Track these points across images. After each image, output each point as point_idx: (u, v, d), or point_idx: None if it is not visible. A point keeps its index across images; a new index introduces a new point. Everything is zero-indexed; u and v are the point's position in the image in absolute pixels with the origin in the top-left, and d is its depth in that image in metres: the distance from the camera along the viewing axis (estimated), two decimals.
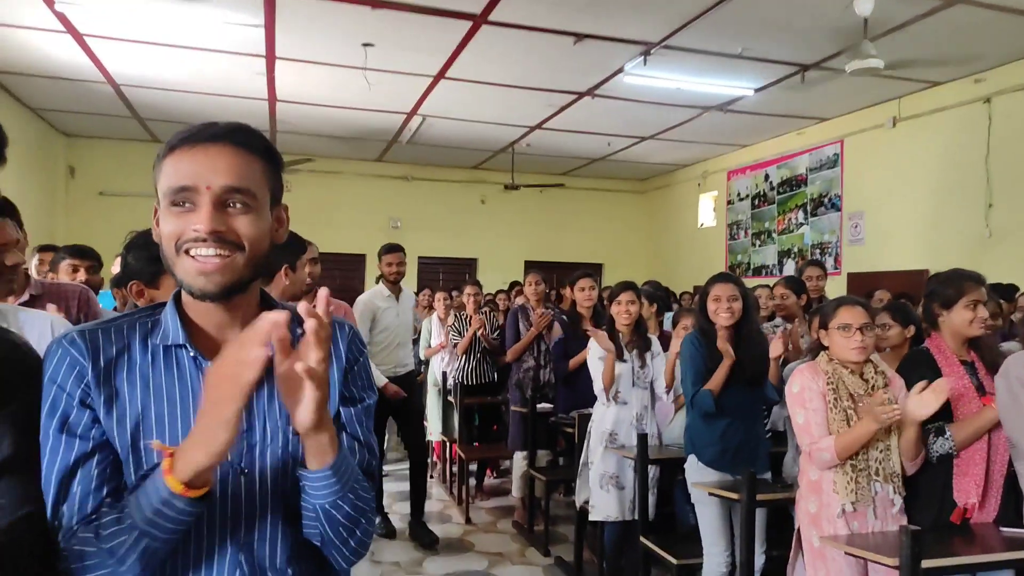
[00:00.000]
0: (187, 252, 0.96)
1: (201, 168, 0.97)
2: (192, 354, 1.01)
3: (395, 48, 5.87)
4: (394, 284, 4.68)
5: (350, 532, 1.01)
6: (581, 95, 7.05)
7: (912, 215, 6.94)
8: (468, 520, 5.01)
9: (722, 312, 3.10)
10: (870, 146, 7.43)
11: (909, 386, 2.40)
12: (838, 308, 2.54)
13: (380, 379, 4.48)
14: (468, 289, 5.86)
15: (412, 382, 4.82)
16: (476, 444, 5.89)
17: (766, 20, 5.17)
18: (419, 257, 10.43)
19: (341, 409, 1.09)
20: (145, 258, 1.91)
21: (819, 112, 7.62)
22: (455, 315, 5.95)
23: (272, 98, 7.41)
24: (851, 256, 7.73)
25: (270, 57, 6.17)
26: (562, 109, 7.56)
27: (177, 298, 1.05)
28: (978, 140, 6.23)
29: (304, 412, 0.89)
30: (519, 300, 6.21)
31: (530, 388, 4.96)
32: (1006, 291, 4.04)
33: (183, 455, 0.88)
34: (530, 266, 9.65)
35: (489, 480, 6.12)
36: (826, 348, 2.56)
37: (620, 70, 6.22)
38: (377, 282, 6.75)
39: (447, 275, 10.51)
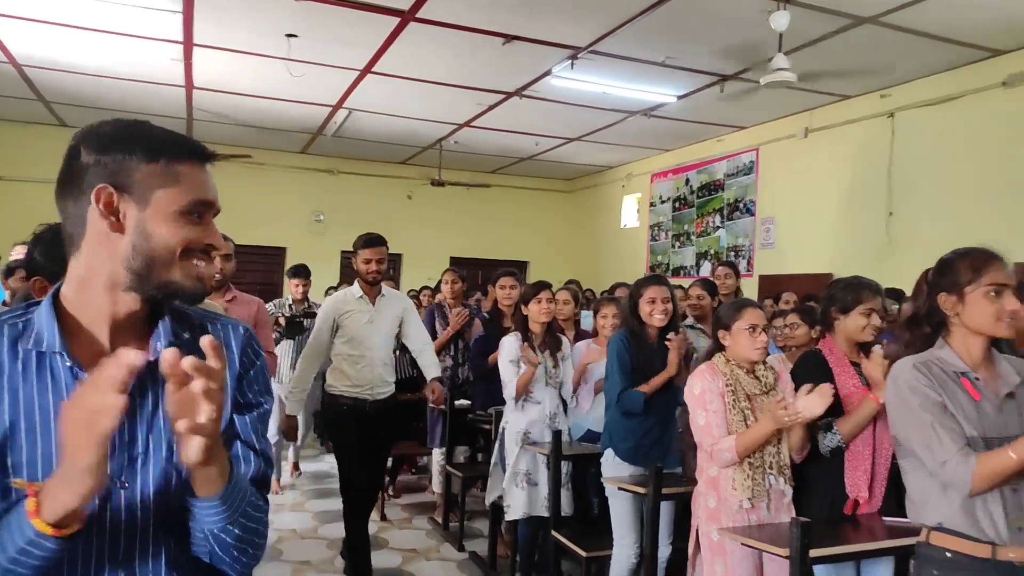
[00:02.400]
0: (188, 258, 0.99)
1: (213, 187, 1.04)
2: (68, 364, 0.95)
3: (320, 40, 5.76)
4: (372, 285, 3.79)
5: (242, 551, 1.00)
6: (509, 95, 7.09)
7: (819, 221, 7.29)
8: (383, 517, 4.99)
9: (657, 314, 3.19)
10: (783, 155, 7.77)
11: (799, 383, 2.53)
12: (742, 310, 2.64)
13: (292, 406, 3.86)
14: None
15: (387, 411, 3.83)
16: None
17: (689, 31, 5.33)
18: (342, 251, 10.28)
19: (235, 417, 1.05)
20: (53, 256, 1.81)
21: (737, 120, 7.91)
22: None
23: (189, 85, 7.14)
24: (762, 259, 8.05)
25: (188, 44, 5.95)
26: (490, 108, 7.58)
27: (55, 298, 0.99)
28: (882, 152, 6.61)
29: (192, 452, 0.86)
30: (438, 297, 6.22)
31: (447, 386, 4.97)
32: (896, 296, 4.29)
33: (50, 495, 0.84)
34: (456, 263, 9.68)
35: (406, 476, 6.11)
36: (723, 349, 2.67)
37: (548, 72, 6.29)
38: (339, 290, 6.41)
39: None
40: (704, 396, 2.57)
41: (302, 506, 4.90)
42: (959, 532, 1.74)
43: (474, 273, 9.75)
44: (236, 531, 0.97)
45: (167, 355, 0.83)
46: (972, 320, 1.81)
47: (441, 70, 6.46)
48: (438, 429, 4.97)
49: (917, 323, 1.92)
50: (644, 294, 3.23)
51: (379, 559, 4.18)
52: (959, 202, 5.88)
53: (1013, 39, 5.32)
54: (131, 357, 0.80)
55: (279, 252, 10.21)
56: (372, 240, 3.80)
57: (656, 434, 3.16)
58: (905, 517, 2.47)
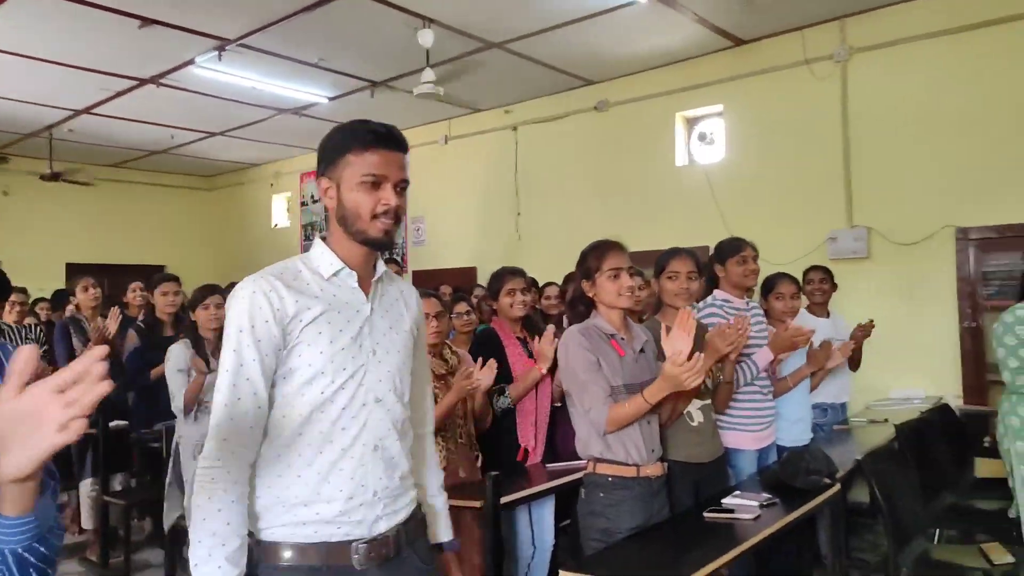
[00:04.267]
0: None
1: None
2: None
3: None
4: (378, 247, 1.53)
5: (42, 572, 0.92)
6: (144, 82, 6.45)
7: (463, 221, 8.10)
8: None
9: None
10: (428, 159, 8.42)
11: (477, 357, 2.93)
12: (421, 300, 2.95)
13: None
14: (13, 297, 4.93)
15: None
16: None
17: (344, 36, 5.50)
18: None
19: None
20: None
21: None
22: None
23: None
24: (415, 255, 8.64)
25: None
26: (119, 94, 6.79)
27: None
28: (509, 161, 7.61)
29: (32, 459, 0.79)
30: (68, 310, 5.49)
31: (97, 407, 4.43)
32: (534, 283, 5.08)
33: None
34: (74, 270, 8.43)
35: None
36: None
37: (191, 62, 5.90)
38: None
39: None
40: None
41: None
42: (614, 460, 2.27)
43: (99, 281, 8.60)
44: (41, 549, 0.90)
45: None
46: (603, 297, 2.35)
47: (57, 47, 5.62)
48: (88, 457, 4.40)
49: (574, 304, 2.44)
50: None
51: None
52: (571, 204, 7.09)
53: (602, 72, 6.61)
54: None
55: None
56: (383, 137, 1.48)
57: None
58: (560, 462, 3.07)
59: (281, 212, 10.41)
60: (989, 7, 4.83)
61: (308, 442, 1.44)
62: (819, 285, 4.15)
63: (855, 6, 5.25)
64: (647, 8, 5.02)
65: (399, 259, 8.44)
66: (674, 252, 2.69)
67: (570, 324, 2.41)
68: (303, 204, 9.95)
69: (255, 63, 5.98)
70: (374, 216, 1.47)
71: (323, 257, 1.53)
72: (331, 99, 7.03)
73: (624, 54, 6.08)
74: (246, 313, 1.42)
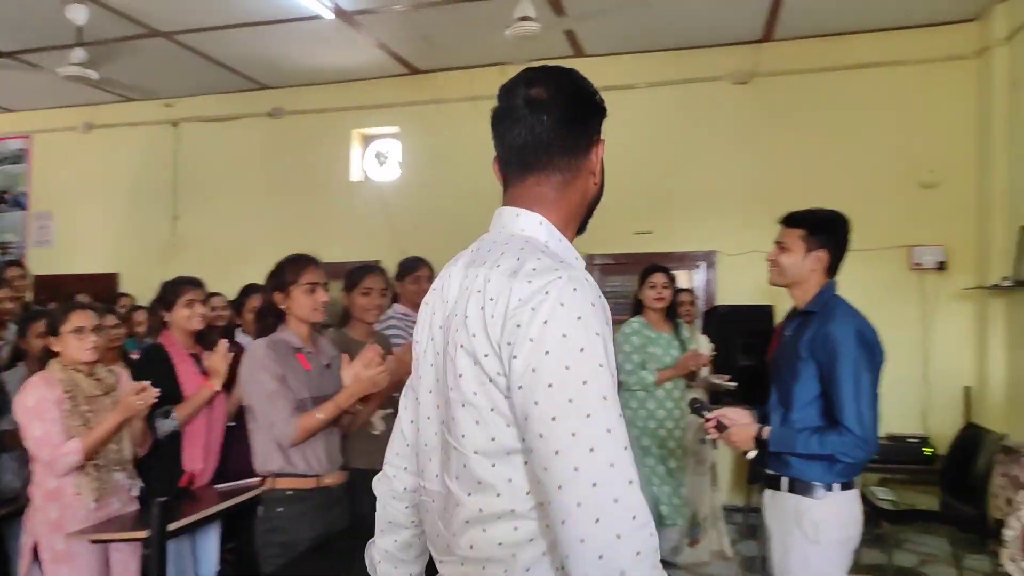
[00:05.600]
0: None
1: None
2: None
3: None
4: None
5: None
6: None
7: (104, 220, 7.14)
8: None
9: None
10: (62, 147, 7.28)
11: (143, 377, 2.66)
12: (69, 313, 2.60)
13: None
14: None
15: None
16: None
17: None
18: None
19: None
20: None
21: (5, 102, 6.99)
22: None
23: None
24: (38, 257, 7.35)
25: None
26: None
27: None
28: (167, 158, 6.95)
29: None
30: None
31: None
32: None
33: None
34: None
35: None
36: (56, 355, 2.58)
37: None
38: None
39: None
40: (40, 407, 2.45)
41: None
42: (294, 473, 2.26)
43: None
44: None
45: None
46: (296, 310, 2.36)
47: None
48: None
49: (263, 316, 2.38)
50: None
51: None
52: (239, 211, 6.73)
53: (278, 78, 6.44)
54: None
55: None
56: None
57: None
58: (233, 480, 2.93)
59: None
60: (607, 76, 5.87)
61: None
62: None
63: (515, 58, 5.94)
64: (332, 25, 5.06)
65: (18, 260, 7.11)
66: (368, 269, 2.79)
67: (257, 336, 2.35)
68: None
69: None
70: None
71: (571, 251, 1.15)
72: None
73: (304, 65, 6.03)
74: (600, 319, 0.98)
